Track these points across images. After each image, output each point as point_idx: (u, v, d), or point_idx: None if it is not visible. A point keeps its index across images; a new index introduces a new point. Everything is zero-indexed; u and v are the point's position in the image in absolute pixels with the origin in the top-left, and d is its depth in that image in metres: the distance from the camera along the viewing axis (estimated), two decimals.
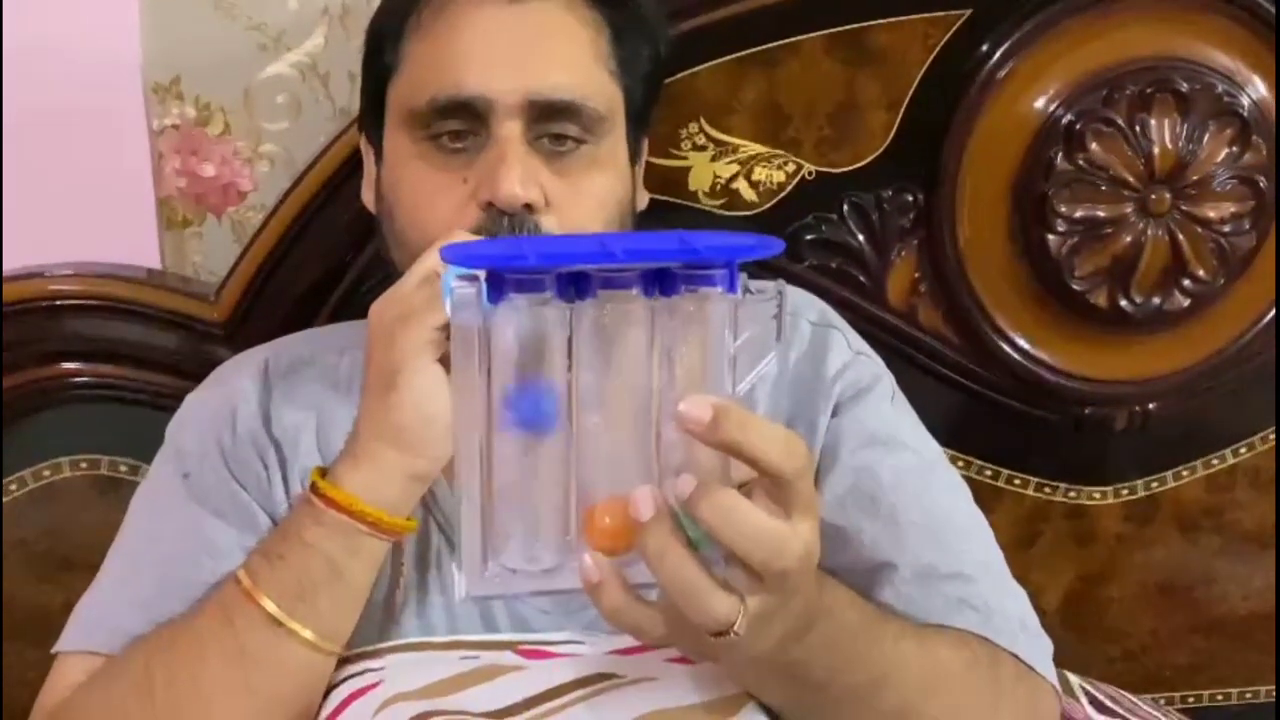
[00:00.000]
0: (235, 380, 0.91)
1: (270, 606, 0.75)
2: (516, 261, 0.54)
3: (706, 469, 0.56)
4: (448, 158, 0.82)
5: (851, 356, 0.90)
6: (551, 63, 0.82)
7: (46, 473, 1.10)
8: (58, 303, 1.07)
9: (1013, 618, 0.82)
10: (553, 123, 0.81)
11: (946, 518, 0.85)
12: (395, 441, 0.74)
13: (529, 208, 0.80)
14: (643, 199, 0.94)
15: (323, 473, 0.77)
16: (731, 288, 0.56)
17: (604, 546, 0.56)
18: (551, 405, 0.56)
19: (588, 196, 0.83)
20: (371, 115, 0.89)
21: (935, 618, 0.80)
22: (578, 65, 0.83)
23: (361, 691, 0.80)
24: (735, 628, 0.56)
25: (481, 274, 0.55)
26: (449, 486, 0.85)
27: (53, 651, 0.85)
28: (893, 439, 0.87)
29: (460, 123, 0.81)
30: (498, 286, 0.55)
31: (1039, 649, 0.82)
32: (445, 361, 0.73)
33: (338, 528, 0.75)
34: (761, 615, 0.57)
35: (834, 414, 0.88)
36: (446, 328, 0.72)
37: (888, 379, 0.92)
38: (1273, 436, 1.21)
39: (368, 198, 0.92)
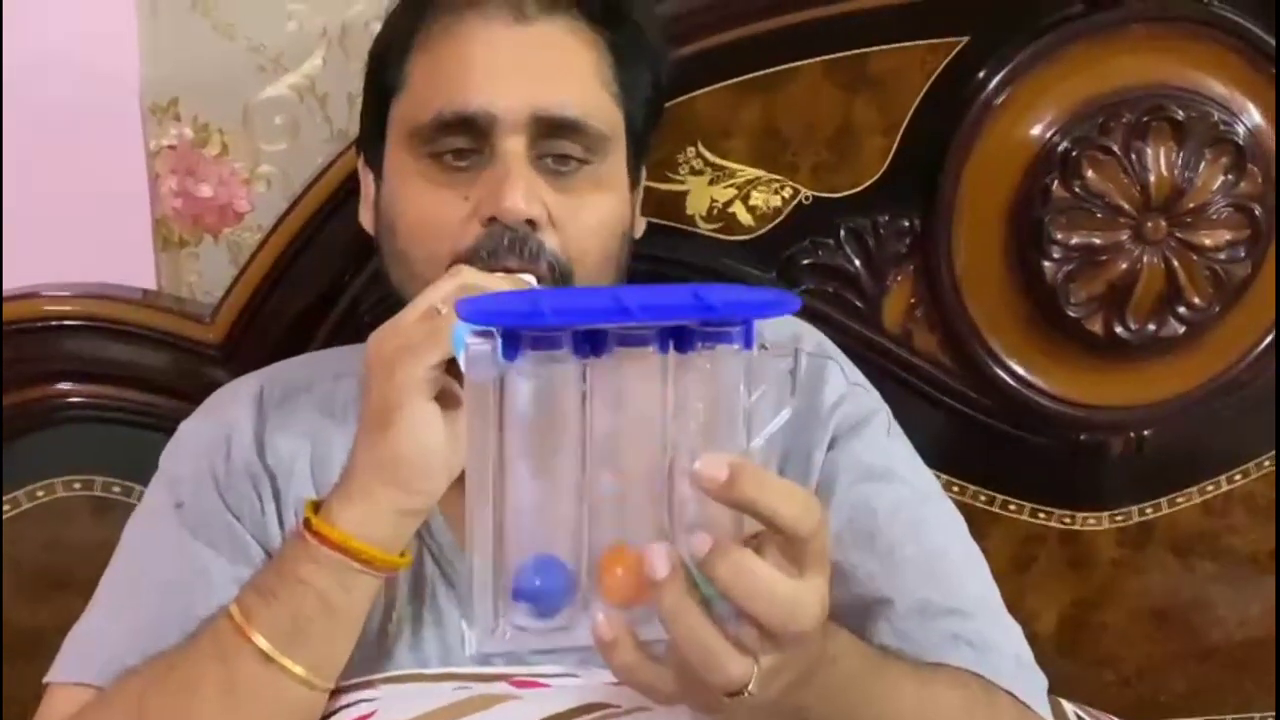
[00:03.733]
0: (230, 408, 0.90)
1: (262, 643, 0.74)
2: (533, 320, 0.53)
3: (720, 525, 0.55)
4: (450, 175, 0.82)
5: (848, 388, 0.90)
6: (556, 81, 0.83)
7: (41, 493, 1.10)
8: (53, 323, 1.06)
9: (1008, 654, 0.82)
10: (556, 141, 0.82)
11: (942, 553, 0.85)
12: (390, 479, 0.73)
13: (532, 224, 0.80)
14: (640, 226, 0.94)
15: (316, 507, 0.76)
16: (747, 344, 0.56)
17: (617, 602, 0.55)
18: (564, 580, 0.56)
19: (590, 215, 0.83)
20: (372, 136, 0.89)
21: (931, 654, 0.80)
22: (582, 84, 0.84)
23: None
24: (749, 688, 0.56)
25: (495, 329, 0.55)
26: (444, 518, 0.85)
27: (44, 682, 0.84)
28: (889, 473, 0.87)
29: (463, 140, 0.82)
30: (513, 343, 0.54)
31: (1034, 685, 0.82)
32: (442, 398, 0.73)
33: (331, 564, 0.74)
34: (772, 671, 0.57)
35: (830, 447, 0.87)
36: (445, 364, 0.71)
37: (884, 412, 0.92)
38: (1269, 463, 1.20)
39: (366, 219, 0.92)
